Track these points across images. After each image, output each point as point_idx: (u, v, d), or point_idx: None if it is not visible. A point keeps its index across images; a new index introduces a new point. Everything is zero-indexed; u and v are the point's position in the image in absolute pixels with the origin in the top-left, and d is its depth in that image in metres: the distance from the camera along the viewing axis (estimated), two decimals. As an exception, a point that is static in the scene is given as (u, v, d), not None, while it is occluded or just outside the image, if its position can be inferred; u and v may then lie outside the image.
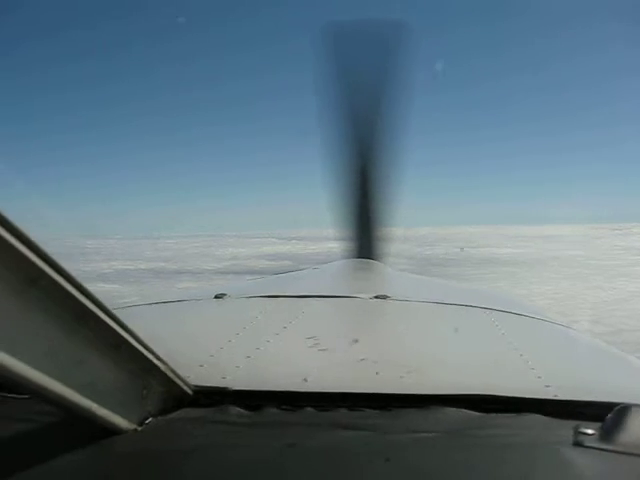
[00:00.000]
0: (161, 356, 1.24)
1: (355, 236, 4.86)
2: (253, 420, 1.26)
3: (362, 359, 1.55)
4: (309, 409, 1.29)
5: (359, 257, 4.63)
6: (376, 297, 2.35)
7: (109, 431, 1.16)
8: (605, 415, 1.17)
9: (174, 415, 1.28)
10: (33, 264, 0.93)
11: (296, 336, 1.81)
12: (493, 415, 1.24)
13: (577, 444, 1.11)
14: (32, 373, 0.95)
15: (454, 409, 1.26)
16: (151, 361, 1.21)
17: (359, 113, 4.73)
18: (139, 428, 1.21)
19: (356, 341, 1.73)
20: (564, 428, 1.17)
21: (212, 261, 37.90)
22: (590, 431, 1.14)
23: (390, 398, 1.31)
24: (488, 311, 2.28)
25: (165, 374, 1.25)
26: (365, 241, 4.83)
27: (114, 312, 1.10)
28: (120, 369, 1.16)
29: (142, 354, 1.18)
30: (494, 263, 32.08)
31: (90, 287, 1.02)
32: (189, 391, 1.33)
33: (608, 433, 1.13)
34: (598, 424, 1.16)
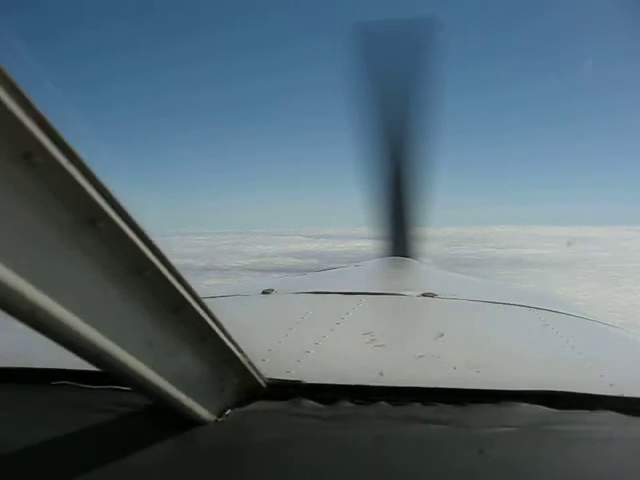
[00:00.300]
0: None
1: (391, 235, 4.91)
2: (329, 413, 1.27)
3: (420, 355, 1.57)
4: (383, 403, 1.31)
5: (395, 255, 4.66)
6: (423, 295, 2.38)
7: (193, 422, 1.19)
8: None
9: (250, 407, 1.31)
10: (142, 254, 0.95)
11: (351, 332, 1.83)
12: (567, 412, 1.25)
13: None
14: (133, 362, 0.97)
15: (527, 405, 1.28)
16: (233, 353, 1.23)
17: (391, 112, 4.77)
18: (219, 419, 1.24)
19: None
20: None
21: (240, 258, 38.03)
22: None
23: (463, 393, 1.33)
24: (537, 310, 2.30)
25: (244, 366, 1.27)
26: (400, 240, 4.87)
27: (206, 303, 1.12)
28: (204, 360, 1.18)
29: (226, 346, 1.20)
30: (523, 264, 31.78)
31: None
32: (263, 384, 1.35)
33: None
34: None
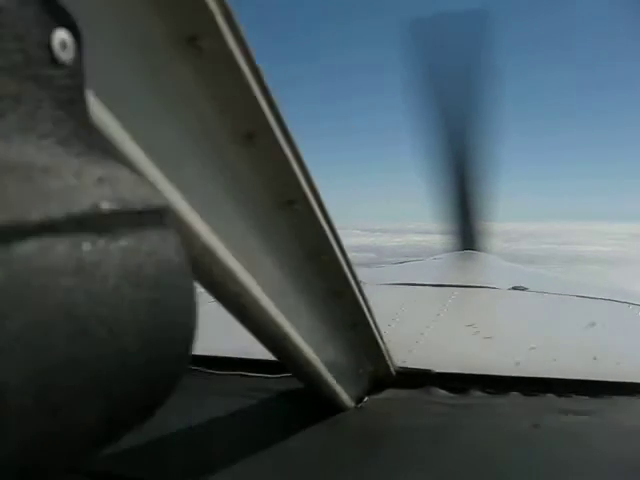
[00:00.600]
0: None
1: (459, 229, 4.92)
2: (462, 402, 1.26)
3: (532, 347, 1.55)
4: (515, 393, 1.29)
5: (466, 249, 4.62)
6: (514, 288, 2.38)
7: (337, 407, 1.19)
8: None
9: (384, 394, 1.31)
10: (326, 238, 0.95)
11: (454, 323, 1.84)
12: None
13: None
14: (303, 346, 0.98)
15: None
16: (376, 340, 1.23)
17: (452, 106, 4.75)
18: (357, 406, 1.25)
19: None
20: None
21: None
22: None
23: (600, 385, 1.30)
24: (629, 304, 2.22)
25: (382, 354, 1.28)
26: (469, 234, 4.85)
27: (363, 290, 1.12)
28: (351, 346, 1.19)
29: (372, 333, 1.20)
30: (581, 260, 31.07)
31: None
32: (393, 372, 1.35)
33: None
34: None
